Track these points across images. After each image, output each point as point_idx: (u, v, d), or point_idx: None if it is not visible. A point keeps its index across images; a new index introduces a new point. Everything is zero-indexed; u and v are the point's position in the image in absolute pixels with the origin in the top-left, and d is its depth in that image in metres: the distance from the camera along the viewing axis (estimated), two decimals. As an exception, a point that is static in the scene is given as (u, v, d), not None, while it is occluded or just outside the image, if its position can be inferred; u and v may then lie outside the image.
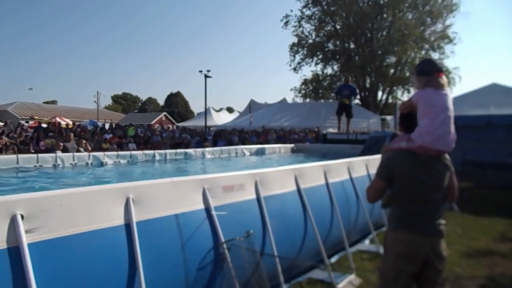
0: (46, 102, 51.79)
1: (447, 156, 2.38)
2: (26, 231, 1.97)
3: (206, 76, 27.42)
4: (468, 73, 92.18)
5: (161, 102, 71.64)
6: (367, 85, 31.93)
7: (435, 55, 29.33)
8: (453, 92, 28.78)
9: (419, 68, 2.49)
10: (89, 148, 9.31)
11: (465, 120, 9.15)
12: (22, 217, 1.98)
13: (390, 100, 32.75)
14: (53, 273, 2.02)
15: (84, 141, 9.44)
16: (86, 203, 2.29)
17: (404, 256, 2.24)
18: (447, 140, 2.30)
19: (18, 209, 1.97)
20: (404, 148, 2.33)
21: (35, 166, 6.07)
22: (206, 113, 29.69)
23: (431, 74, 2.37)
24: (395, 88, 32.26)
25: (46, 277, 1.96)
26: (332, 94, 32.64)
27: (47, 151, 9.63)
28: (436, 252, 2.25)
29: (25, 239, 1.94)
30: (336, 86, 12.33)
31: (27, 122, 26.27)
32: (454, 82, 29.42)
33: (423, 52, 29.56)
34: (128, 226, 2.42)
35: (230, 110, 49.77)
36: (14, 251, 1.92)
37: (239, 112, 38.02)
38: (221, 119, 34.59)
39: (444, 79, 2.40)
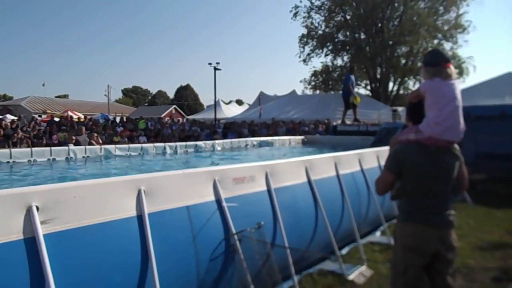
0: (58, 96, 52.59)
1: (456, 146, 2.35)
2: (42, 222, 2.01)
3: (215, 69, 27.43)
4: (484, 63, 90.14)
5: (171, 95, 72.02)
6: (378, 76, 31.52)
7: (447, 45, 28.78)
8: (467, 82, 28.35)
9: (427, 58, 2.46)
10: (100, 142, 9.43)
11: (478, 111, 8.96)
12: (38, 208, 2.02)
13: (401, 91, 32.32)
14: (68, 263, 2.06)
15: (95, 135, 9.55)
16: (99, 195, 2.31)
17: (412, 249, 2.23)
18: (456, 131, 2.27)
19: (34, 201, 2.01)
20: (412, 140, 2.31)
21: (48, 159, 6.18)
22: (215, 105, 29.74)
23: (438, 64, 2.34)
24: (406, 78, 31.78)
25: (61, 267, 2.00)
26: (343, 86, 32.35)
27: (59, 144, 9.78)
28: (446, 243, 2.24)
29: (41, 230, 1.98)
30: (350, 77, 11.74)
31: (40, 116, 26.69)
32: (468, 72, 28.85)
33: (435, 41, 28.99)
34: (140, 217, 2.44)
35: (239, 102, 49.77)
36: (30, 242, 1.96)
37: (248, 104, 37.97)
38: (231, 111, 34.62)
39: (452, 69, 2.36)
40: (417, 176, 2.26)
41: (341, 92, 13.13)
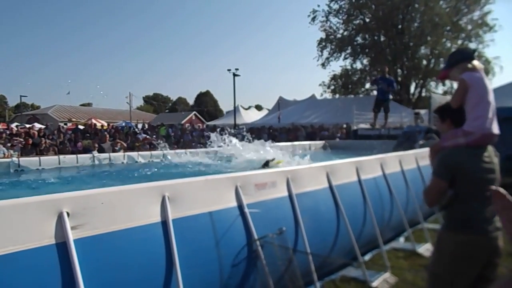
0: (83, 105, 54.16)
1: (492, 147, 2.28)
2: (72, 228, 2.09)
3: (234, 75, 27.67)
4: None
5: (191, 101, 72.91)
6: (399, 79, 30.96)
7: (472, 45, 27.93)
8: (494, 83, 27.38)
9: (450, 60, 2.45)
10: (125, 145, 9.80)
11: (507, 112, 8.66)
12: (68, 214, 2.10)
13: (423, 94, 31.60)
14: (97, 267, 2.13)
15: (119, 141, 9.87)
16: (125, 201, 2.39)
17: (466, 259, 2.13)
18: (496, 122, 2.21)
19: (64, 207, 2.10)
20: (462, 144, 2.20)
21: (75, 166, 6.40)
22: (235, 111, 29.94)
23: (463, 60, 2.34)
24: (428, 80, 31.06)
25: (91, 271, 2.07)
26: (363, 89, 31.97)
27: (84, 151, 10.08)
28: (496, 250, 2.16)
29: (71, 235, 2.06)
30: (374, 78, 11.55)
31: (65, 124, 27.58)
32: (494, 72, 27.95)
33: (459, 41, 28.25)
34: (164, 223, 2.50)
35: (259, 107, 49.90)
36: (62, 247, 2.04)
37: (268, 109, 38.00)
38: (250, 117, 34.71)
39: (475, 63, 2.32)
40: (471, 181, 2.17)
41: (375, 92, 12.44)
